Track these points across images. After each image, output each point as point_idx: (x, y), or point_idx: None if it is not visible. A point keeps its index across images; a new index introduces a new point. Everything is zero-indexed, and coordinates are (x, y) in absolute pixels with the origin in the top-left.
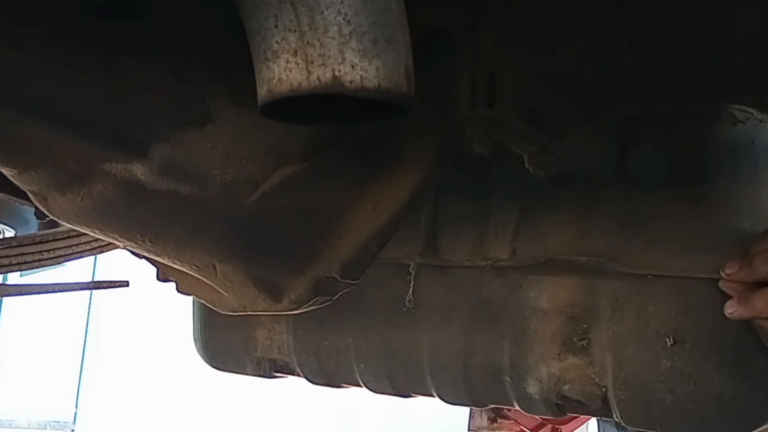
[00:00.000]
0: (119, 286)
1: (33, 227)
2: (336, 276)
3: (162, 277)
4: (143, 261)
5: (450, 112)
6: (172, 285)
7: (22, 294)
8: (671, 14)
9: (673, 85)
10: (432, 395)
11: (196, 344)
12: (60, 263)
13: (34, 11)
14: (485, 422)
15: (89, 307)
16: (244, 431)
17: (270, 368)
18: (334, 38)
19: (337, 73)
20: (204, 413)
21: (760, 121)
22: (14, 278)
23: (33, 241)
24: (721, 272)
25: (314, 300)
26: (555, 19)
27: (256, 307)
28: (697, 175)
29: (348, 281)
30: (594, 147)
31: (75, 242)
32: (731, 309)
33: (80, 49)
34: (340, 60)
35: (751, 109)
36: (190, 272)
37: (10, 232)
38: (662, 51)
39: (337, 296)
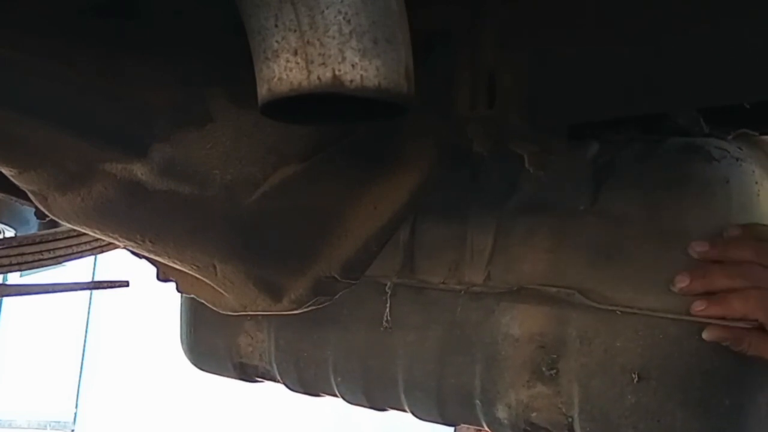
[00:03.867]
0: (119, 286)
1: (33, 227)
2: (336, 276)
3: (162, 277)
4: (143, 261)
5: (450, 112)
6: (172, 285)
7: (22, 294)
8: (671, 14)
9: (673, 86)
10: (406, 411)
11: (182, 345)
12: (60, 263)
13: (33, 11)
14: (471, 430)
15: (89, 307)
16: (243, 431)
17: (251, 373)
18: (334, 37)
19: (337, 72)
20: (203, 413)
21: (737, 159)
22: (14, 278)
23: (33, 241)
24: (672, 288)
25: (314, 300)
26: (555, 19)
27: (256, 307)
28: (670, 213)
29: (348, 281)
30: (570, 179)
31: (75, 242)
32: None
33: (80, 49)
34: (340, 59)
35: (728, 146)
36: (190, 272)
37: (10, 232)
38: (662, 51)
39: (337, 296)
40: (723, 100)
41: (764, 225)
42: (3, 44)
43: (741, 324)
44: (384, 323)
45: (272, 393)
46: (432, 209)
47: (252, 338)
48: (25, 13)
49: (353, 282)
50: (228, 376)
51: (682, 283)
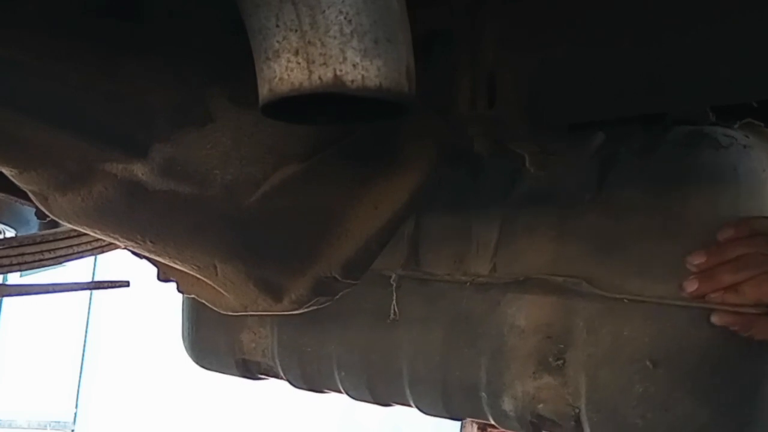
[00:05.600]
0: (119, 286)
1: (33, 227)
2: (336, 276)
3: (162, 277)
4: (143, 261)
5: (450, 112)
6: (172, 285)
7: (22, 294)
8: (672, 14)
9: (675, 86)
10: (410, 405)
11: (184, 343)
12: (60, 263)
13: (34, 11)
14: (475, 430)
15: (89, 307)
16: (245, 430)
17: (254, 370)
18: (335, 37)
19: (338, 72)
20: (204, 412)
21: (744, 146)
22: (14, 278)
23: (33, 241)
24: (682, 293)
25: (315, 300)
26: (555, 19)
27: (256, 307)
28: (677, 201)
29: (348, 281)
30: (575, 168)
31: (75, 242)
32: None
33: (80, 49)
34: (341, 59)
35: (735, 134)
36: (190, 272)
37: (10, 232)
38: (663, 51)
39: (337, 296)
40: (725, 100)
41: (757, 217)
42: (3, 44)
43: (754, 310)
44: (392, 315)
45: (276, 391)
46: (437, 202)
47: (255, 334)
48: (25, 13)
49: (354, 282)
50: (230, 374)
51: (691, 287)
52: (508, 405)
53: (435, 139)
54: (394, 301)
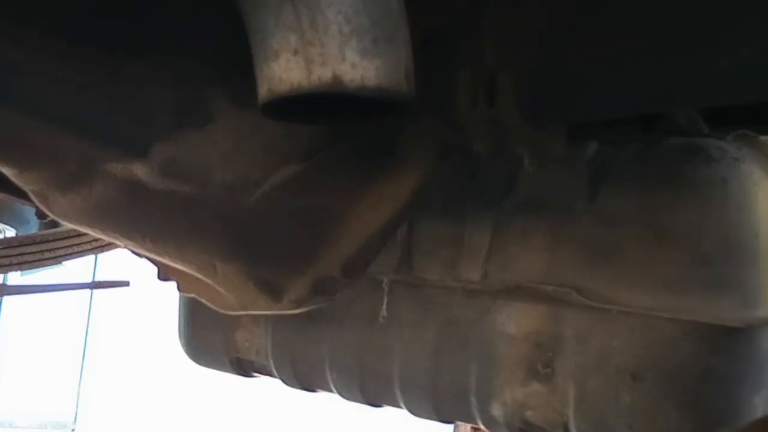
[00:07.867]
0: (119, 286)
1: (34, 227)
2: (336, 275)
3: (163, 276)
4: (143, 261)
5: (450, 112)
6: (172, 284)
7: (22, 294)
8: (672, 14)
9: (674, 86)
10: (401, 407)
11: (180, 340)
12: (60, 262)
13: (34, 11)
14: (468, 428)
15: (89, 307)
16: (245, 430)
17: (248, 368)
18: (334, 37)
19: (337, 72)
20: (204, 412)
21: (735, 159)
22: (14, 278)
23: (33, 240)
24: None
25: (314, 299)
26: (555, 19)
27: (256, 306)
28: (667, 213)
29: (347, 280)
30: (568, 177)
31: (75, 242)
32: None
33: (80, 49)
34: (340, 59)
35: (727, 147)
36: (190, 272)
37: (10, 232)
38: (662, 51)
39: (336, 296)
40: (723, 100)
41: None
42: (3, 44)
43: None
44: (380, 318)
45: (275, 392)
46: (430, 207)
47: (249, 333)
48: (25, 13)
49: (353, 281)
50: (225, 371)
51: None
52: (497, 411)
53: (435, 138)
54: (384, 305)
